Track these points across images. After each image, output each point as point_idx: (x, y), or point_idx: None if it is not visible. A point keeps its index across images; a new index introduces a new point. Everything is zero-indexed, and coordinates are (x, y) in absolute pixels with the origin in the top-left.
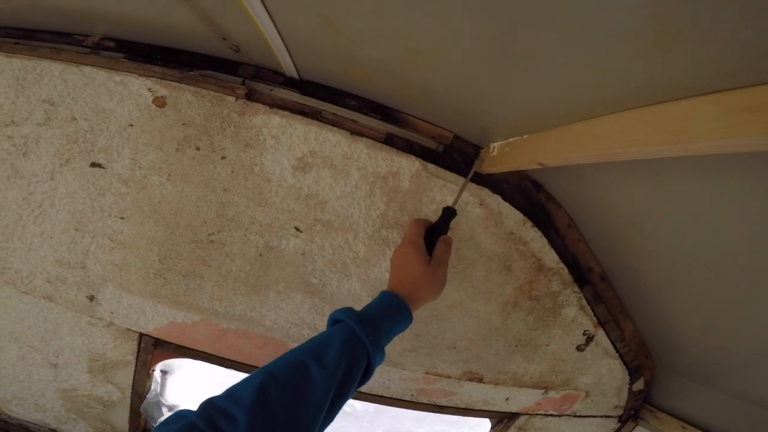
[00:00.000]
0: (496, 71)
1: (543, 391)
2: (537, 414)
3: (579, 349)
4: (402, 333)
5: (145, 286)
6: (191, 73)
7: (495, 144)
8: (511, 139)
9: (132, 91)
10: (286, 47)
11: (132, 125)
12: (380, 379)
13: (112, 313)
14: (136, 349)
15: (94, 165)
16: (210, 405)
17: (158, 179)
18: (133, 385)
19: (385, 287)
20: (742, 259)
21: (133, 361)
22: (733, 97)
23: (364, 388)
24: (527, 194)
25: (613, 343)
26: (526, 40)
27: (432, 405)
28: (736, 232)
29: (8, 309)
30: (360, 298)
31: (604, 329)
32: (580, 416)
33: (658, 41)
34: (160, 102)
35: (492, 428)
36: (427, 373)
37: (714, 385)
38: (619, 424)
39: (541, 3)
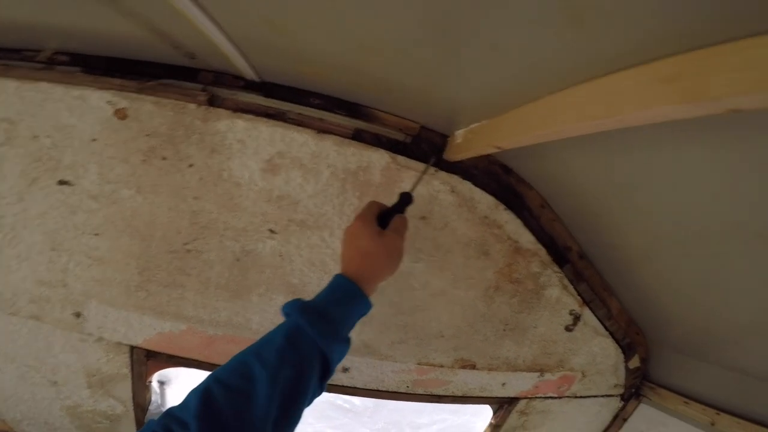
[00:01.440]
0: (442, 58)
1: (538, 374)
2: (536, 397)
3: (568, 329)
4: (387, 326)
5: (128, 299)
6: (150, 83)
7: (459, 131)
8: (472, 126)
9: (92, 104)
10: (239, 51)
11: (95, 139)
12: (373, 373)
13: (100, 327)
14: (129, 362)
15: (62, 183)
16: (167, 414)
17: (128, 192)
18: (133, 398)
19: None
20: (715, 227)
21: (129, 374)
22: (650, 70)
23: (358, 384)
24: (497, 178)
25: (601, 321)
26: (462, 27)
27: (429, 395)
28: (705, 201)
29: None
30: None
31: (590, 308)
32: (581, 397)
33: (571, 20)
34: (121, 114)
35: (494, 414)
36: (419, 364)
37: (710, 359)
38: (623, 402)
39: None
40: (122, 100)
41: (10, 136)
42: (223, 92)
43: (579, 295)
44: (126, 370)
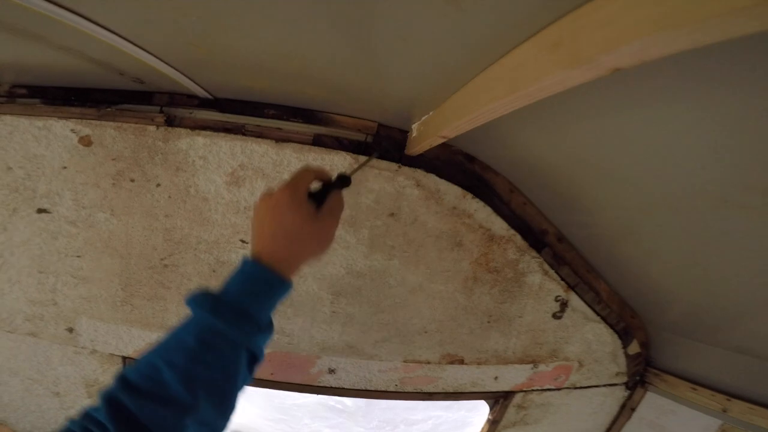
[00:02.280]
0: (364, 55)
1: (531, 365)
2: (533, 390)
3: (556, 316)
4: (369, 325)
5: (115, 313)
6: (108, 109)
7: (414, 125)
8: (423, 118)
9: (56, 134)
10: (181, 73)
11: (66, 167)
12: (360, 373)
13: (93, 341)
14: None
15: (40, 211)
16: (85, 415)
17: (103, 216)
18: None
19: (339, 283)
20: (691, 190)
21: None
22: (538, 40)
23: (345, 384)
24: (461, 167)
25: (590, 305)
26: (365, 21)
27: (419, 393)
28: (673, 164)
29: (0, 347)
30: (320, 297)
31: (576, 292)
32: (581, 387)
33: (447, 2)
34: (86, 141)
35: (490, 410)
36: (405, 361)
37: (715, 341)
38: (628, 391)
39: None
40: (84, 128)
41: None
42: (180, 112)
43: (562, 279)
44: None
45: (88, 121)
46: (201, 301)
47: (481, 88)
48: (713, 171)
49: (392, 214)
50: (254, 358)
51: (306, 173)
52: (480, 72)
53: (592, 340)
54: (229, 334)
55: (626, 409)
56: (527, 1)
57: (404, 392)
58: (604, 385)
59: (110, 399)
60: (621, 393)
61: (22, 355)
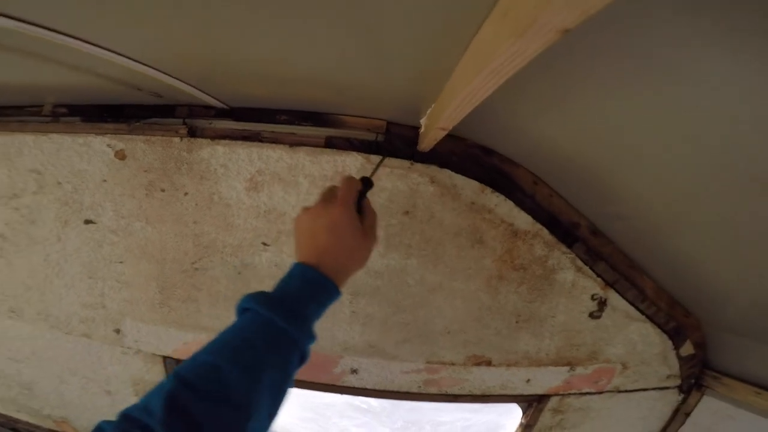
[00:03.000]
0: (369, 54)
1: (568, 368)
2: (570, 393)
3: (593, 316)
4: (389, 325)
5: (154, 315)
6: (137, 123)
7: (422, 120)
8: (428, 112)
9: (95, 149)
10: (194, 87)
11: (105, 180)
12: (382, 373)
13: (137, 341)
14: (164, 371)
15: (87, 222)
16: (125, 418)
17: (139, 225)
18: None
19: (357, 283)
20: (744, 171)
21: None
22: (495, 11)
23: (368, 385)
24: (479, 161)
25: (632, 304)
26: (364, 12)
27: (444, 395)
28: (719, 141)
29: (60, 348)
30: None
31: (615, 289)
32: (626, 391)
33: None
34: (120, 155)
35: (523, 413)
36: (428, 362)
37: None
38: (682, 395)
39: None
40: (119, 143)
41: (40, 185)
42: (200, 123)
43: (599, 276)
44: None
45: (121, 135)
46: (262, 300)
47: (461, 73)
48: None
49: (407, 212)
50: (302, 360)
51: (353, 188)
52: (460, 58)
53: (637, 340)
54: (290, 333)
55: (680, 414)
56: None
57: (428, 394)
58: (654, 389)
59: (169, 397)
60: (674, 397)
61: (78, 355)
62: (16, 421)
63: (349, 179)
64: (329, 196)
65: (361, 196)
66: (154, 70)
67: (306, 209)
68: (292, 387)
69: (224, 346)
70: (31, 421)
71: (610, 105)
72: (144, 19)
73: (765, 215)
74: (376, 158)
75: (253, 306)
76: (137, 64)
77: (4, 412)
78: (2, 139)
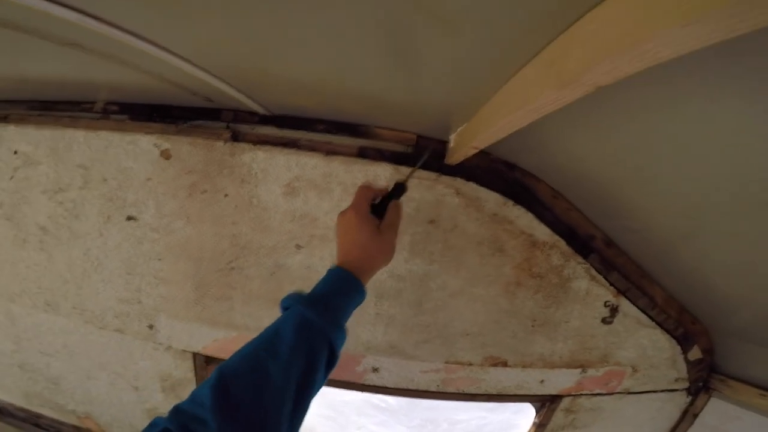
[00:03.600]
0: (406, 74)
1: (580, 370)
2: (582, 394)
3: (605, 322)
4: (410, 327)
5: (188, 312)
6: (184, 125)
7: (452, 136)
8: (459, 129)
9: (142, 148)
10: (243, 94)
11: (150, 179)
12: (402, 372)
13: (169, 337)
14: (193, 367)
15: (129, 218)
16: (178, 412)
17: (180, 223)
18: None
19: (381, 286)
20: (751, 191)
21: (194, 378)
22: (540, 58)
23: (388, 383)
24: (502, 175)
25: (643, 311)
26: (409, 39)
27: (461, 394)
28: (730, 164)
29: (92, 343)
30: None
31: (627, 297)
32: (636, 393)
33: (450, 32)
34: (166, 155)
35: (537, 413)
36: (447, 363)
37: None
38: (690, 397)
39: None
40: (165, 142)
41: (86, 180)
42: (243, 128)
43: (611, 284)
44: (191, 375)
45: (168, 136)
46: (297, 297)
47: (500, 103)
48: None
49: (432, 221)
50: (332, 357)
51: (364, 191)
52: (500, 88)
53: (647, 345)
54: (319, 324)
55: (688, 415)
56: (523, 22)
57: (446, 392)
58: (662, 391)
59: (216, 387)
60: (682, 399)
61: (110, 350)
62: (39, 416)
63: (363, 186)
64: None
65: (387, 199)
66: (209, 75)
67: (339, 215)
68: (322, 382)
69: (263, 339)
70: (55, 416)
71: (632, 127)
72: (207, 28)
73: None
74: (405, 169)
75: (289, 303)
76: (194, 68)
77: (27, 407)
78: (52, 134)
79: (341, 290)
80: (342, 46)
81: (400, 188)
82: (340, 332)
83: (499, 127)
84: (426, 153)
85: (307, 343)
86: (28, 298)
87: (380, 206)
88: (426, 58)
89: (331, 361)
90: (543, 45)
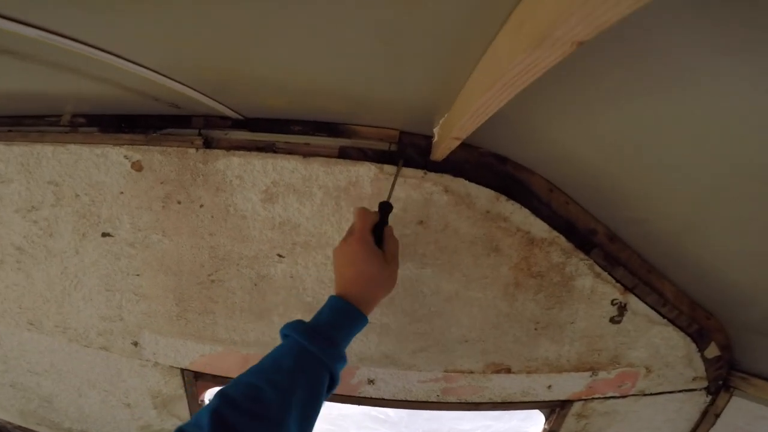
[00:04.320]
0: (383, 65)
1: (590, 373)
2: (594, 398)
3: (614, 321)
4: (405, 335)
5: (172, 327)
6: (154, 134)
7: (435, 129)
8: (441, 121)
9: (112, 160)
10: (210, 98)
11: (122, 192)
12: (399, 383)
13: (155, 354)
14: (182, 383)
15: (104, 234)
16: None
17: (156, 237)
18: (191, 416)
19: None
20: (757, 180)
21: (184, 394)
22: (510, 22)
23: (385, 395)
24: (493, 169)
25: (653, 308)
26: (378, 29)
27: (463, 403)
28: (740, 141)
29: (79, 361)
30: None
31: (635, 294)
32: (651, 394)
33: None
34: (137, 166)
35: (546, 419)
36: (446, 371)
37: None
38: (710, 396)
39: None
40: (135, 154)
41: (58, 197)
42: (216, 133)
43: (618, 281)
44: (181, 391)
45: (138, 146)
46: (297, 327)
47: (474, 84)
48: None
49: (421, 222)
50: (332, 383)
51: (364, 218)
52: (474, 67)
53: (660, 344)
54: (321, 358)
55: (709, 416)
56: None
57: (447, 402)
58: (680, 391)
59: (215, 413)
60: (701, 398)
61: (97, 367)
62: None
63: (362, 212)
64: (352, 230)
65: (382, 223)
66: (172, 81)
67: (341, 243)
68: (323, 402)
69: (263, 369)
70: None
71: (626, 110)
72: (162, 29)
73: None
74: (389, 168)
75: (289, 332)
76: (155, 74)
77: (25, 425)
78: (21, 150)
79: (345, 324)
80: (318, 41)
81: (386, 207)
82: (341, 362)
83: (475, 110)
84: (399, 164)
85: (308, 375)
86: (11, 318)
87: (375, 232)
88: (401, 44)
89: (332, 386)
90: (513, 5)
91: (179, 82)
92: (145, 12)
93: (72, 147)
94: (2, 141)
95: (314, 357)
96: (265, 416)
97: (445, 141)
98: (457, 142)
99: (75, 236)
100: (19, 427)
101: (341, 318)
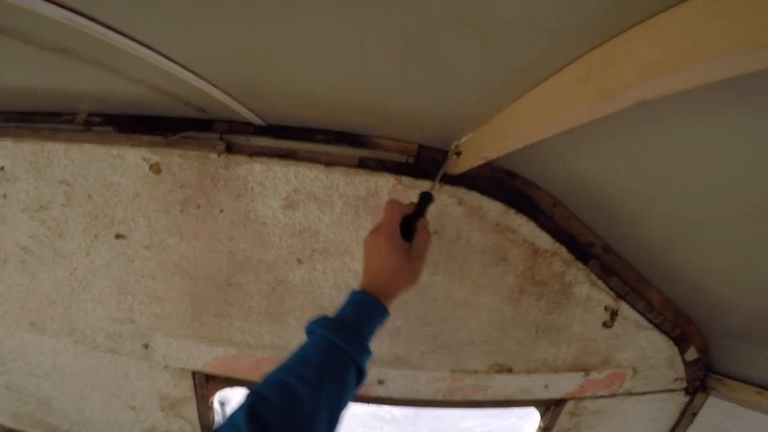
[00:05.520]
0: (408, 83)
1: (583, 373)
2: (585, 397)
3: (606, 325)
4: (416, 338)
5: (185, 330)
6: (174, 137)
7: (454, 146)
8: (463, 139)
9: (129, 162)
10: (239, 103)
11: (139, 195)
12: (408, 383)
13: (165, 356)
14: (193, 385)
15: (118, 236)
16: None
17: (173, 240)
18: (199, 418)
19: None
20: (741, 202)
21: (194, 396)
22: (570, 72)
23: (394, 395)
24: (503, 184)
25: (641, 314)
26: (426, 51)
27: (467, 402)
28: (726, 171)
29: (84, 363)
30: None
31: (626, 301)
32: (637, 394)
33: (481, 41)
34: (156, 169)
35: (542, 417)
36: (452, 371)
37: None
38: (688, 396)
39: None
40: (154, 156)
41: (69, 197)
42: (238, 138)
43: (611, 289)
44: (191, 393)
45: (157, 148)
46: (323, 323)
47: (519, 114)
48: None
49: (436, 232)
50: (360, 375)
51: (394, 210)
52: (517, 98)
53: (646, 347)
54: (348, 351)
55: (688, 414)
56: (555, 37)
57: (452, 401)
58: (662, 391)
59: (250, 411)
60: (681, 398)
61: (103, 370)
62: None
63: (391, 205)
64: (381, 221)
65: (416, 217)
66: (205, 82)
67: (369, 233)
68: (352, 395)
69: (292, 365)
70: None
71: (629, 143)
72: (199, 26)
73: (759, 239)
74: (407, 179)
75: (314, 328)
76: (190, 73)
77: (19, 427)
78: (30, 147)
79: (368, 316)
80: (355, 56)
81: (426, 198)
82: (367, 354)
83: (517, 138)
84: (448, 159)
85: (337, 369)
86: (11, 319)
87: (408, 224)
88: (447, 68)
89: (360, 379)
90: (577, 56)
91: (210, 83)
92: (192, 12)
93: (86, 146)
94: (10, 137)
95: (342, 351)
96: (298, 411)
97: (470, 159)
98: (483, 161)
99: (86, 237)
100: (11, 430)
101: (365, 311)
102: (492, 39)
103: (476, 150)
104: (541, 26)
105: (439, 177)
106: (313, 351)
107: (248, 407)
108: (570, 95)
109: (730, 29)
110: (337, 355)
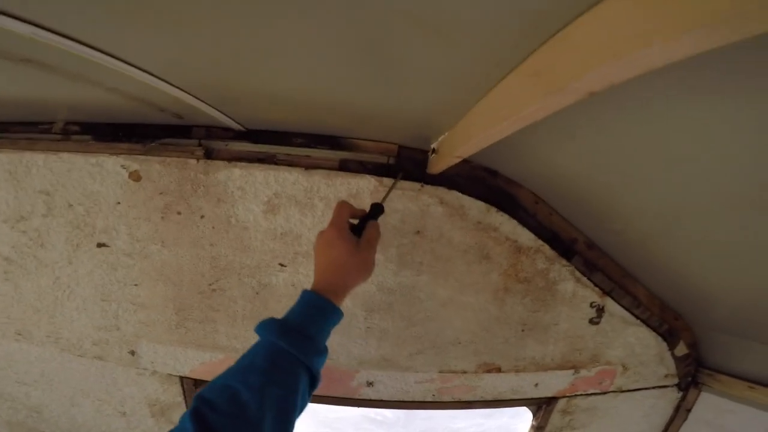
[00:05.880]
0: (384, 84)
1: (572, 371)
2: (577, 395)
3: (593, 322)
4: (403, 339)
5: (171, 336)
6: (153, 144)
7: (433, 145)
8: (440, 138)
9: (109, 170)
10: (215, 108)
11: (119, 203)
12: (397, 385)
13: (153, 362)
14: (181, 391)
15: (100, 245)
16: None
17: (155, 247)
18: None
19: (371, 300)
20: (729, 189)
21: (183, 401)
22: (523, 68)
23: (384, 396)
24: (484, 183)
25: (628, 309)
26: (393, 50)
27: (457, 402)
28: (702, 168)
29: (71, 371)
30: (354, 314)
31: (612, 297)
32: (628, 390)
33: (431, 33)
34: (135, 176)
35: (534, 416)
36: (441, 372)
37: (766, 339)
38: (681, 392)
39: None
40: (133, 163)
41: (49, 207)
42: (217, 144)
43: (596, 285)
44: (180, 399)
45: (136, 156)
46: (268, 326)
47: (483, 112)
48: (742, 172)
49: (418, 232)
50: (313, 379)
51: (343, 208)
52: (482, 97)
53: (634, 343)
54: (294, 354)
55: (681, 411)
56: (505, 34)
57: (442, 402)
58: (653, 387)
59: (195, 415)
60: (673, 394)
61: (92, 377)
62: None
63: (341, 204)
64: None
65: (366, 218)
66: (179, 90)
67: (318, 234)
68: (305, 402)
69: (237, 369)
70: None
71: (606, 134)
72: (170, 37)
73: (747, 227)
74: (388, 180)
75: (261, 332)
76: (163, 82)
77: None
78: (9, 158)
79: (316, 317)
80: (321, 58)
81: (377, 209)
82: (318, 356)
83: (483, 136)
84: (398, 176)
85: (284, 372)
86: None
87: (359, 227)
88: (410, 68)
89: (313, 382)
90: (530, 51)
91: (184, 91)
92: (161, 21)
93: (65, 155)
94: None
95: (287, 354)
96: (243, 417)
97: (446, 158)
98: (458, 160)
99: (68, 246)
100: None
101: (313, 312)
102: (444, 35)
103: (451, 149)
104: (492, 20)
105: (388, 193)
106: (259, 355)
107: (194, 411)
108: (524, 91)
109: (669, 13)
110: (284, 359)
